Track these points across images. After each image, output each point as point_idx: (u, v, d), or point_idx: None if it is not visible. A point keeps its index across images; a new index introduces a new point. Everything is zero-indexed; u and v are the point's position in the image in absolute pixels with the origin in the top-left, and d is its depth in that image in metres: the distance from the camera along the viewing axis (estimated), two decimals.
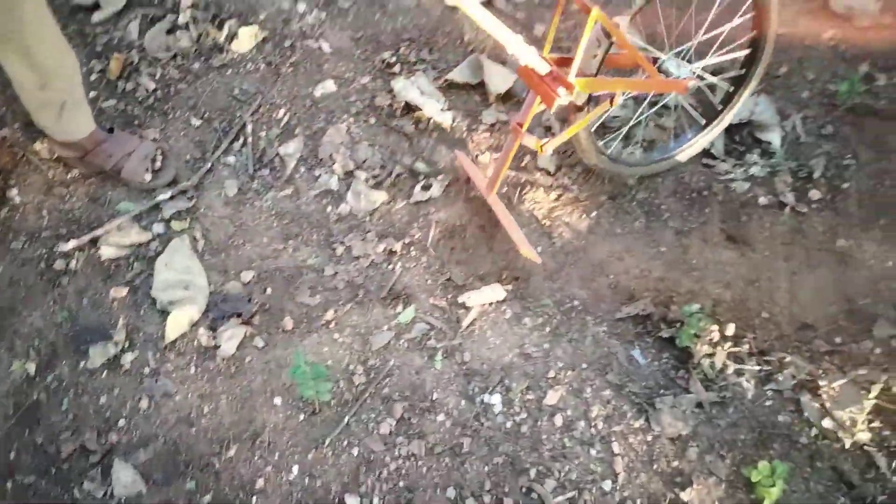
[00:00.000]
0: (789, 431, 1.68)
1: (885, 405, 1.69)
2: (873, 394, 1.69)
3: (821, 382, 1.72)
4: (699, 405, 1.72)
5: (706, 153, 2.22)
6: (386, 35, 2.54)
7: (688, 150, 2.15)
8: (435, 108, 2.31)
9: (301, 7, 2.58)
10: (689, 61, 1.88)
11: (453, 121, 2.30)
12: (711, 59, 1.90)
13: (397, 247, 2.02)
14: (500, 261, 2.01)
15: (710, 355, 1.78)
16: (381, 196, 2.13)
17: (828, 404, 1.69)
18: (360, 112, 2.32)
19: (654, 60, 1.84)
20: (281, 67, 2.42)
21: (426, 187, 2.15)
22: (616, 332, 1.87)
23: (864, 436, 1.65)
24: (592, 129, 1.91)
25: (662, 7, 1.83)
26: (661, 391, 1.75)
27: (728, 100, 2.09)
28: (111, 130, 2.13)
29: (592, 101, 1.76)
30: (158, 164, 2.13)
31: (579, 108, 1.77)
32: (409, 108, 2.32)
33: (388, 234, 2.06)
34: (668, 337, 1.83)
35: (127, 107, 2.33)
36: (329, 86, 2.37)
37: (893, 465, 1.60)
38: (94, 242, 2.01)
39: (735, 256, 2.00)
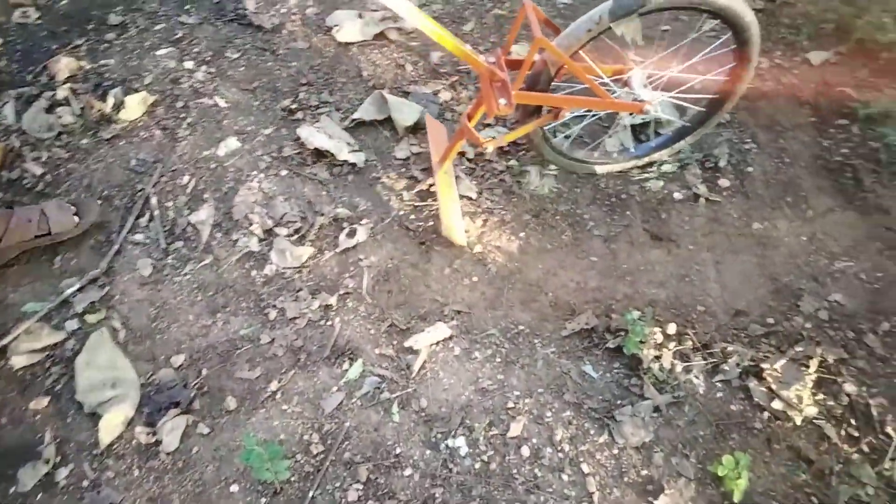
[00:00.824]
0: (744, 419, 1.73)
1: (826, 377, 1.77)
2: (813, 368, 1.77)
3: (763, 366, 1.79)
4: (656, 409, 1.75)
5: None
6: (282, 81, 2.47)
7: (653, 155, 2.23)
8: (346, 150, 2.26)
9: (188, 64, 2.47)
10: (659, 88, 1.91)
11: (366, 160, 2.26)
12: (678, 95, 1.96)
13: (332, 300, 1.96)
14: (439, 296, 1.99)
15: (658, 357, 1.82)
16: (306, 250, 2.06)
17: (773, 386, 1.76)
18: (269, 166, 2.24)
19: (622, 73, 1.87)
20: (177, 131, 2.31)
21: (352, 233, 2.09)
22: (565, 350, 1.88)
23: (811, 410, 1.72)
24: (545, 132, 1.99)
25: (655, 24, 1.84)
26: (619, 402, 1.77)
27: (683, 133, 2.18)
28: (10, 206, 1.98)
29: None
30: (75, 209, 2.01)
31: (530, 114, 1.85)
32: (320, 154, 2.26)
33: (321, 289, 1.99)
34: (616, 346, 1.85)
35: (15, 197, 2.16)
36: (232, 143, 2.28)
37: (842, 433, 1.68)
38: (3, 352, 1.85)
39: (662, 255, 2.06)
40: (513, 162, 2.26)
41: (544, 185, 2.19)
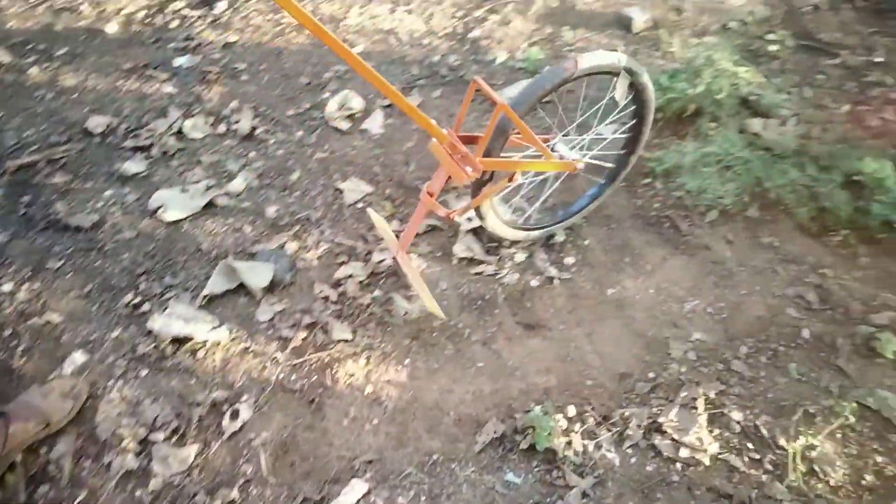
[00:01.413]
0: (661, 476, 1.82)
1: (714, 412, 1.93)
2: (701, 408, 1.92)
3: (660, 420, 1.91)
4: (584, 495, 1.79)
5: (471, 260, 2.40)
6: (117, 277, 2.34)
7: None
8: (205, 330, 2.17)
9: (6, 287, 2.28)
10: (583, 149, 2.30)
11: (231, 333, 2.19)
12: (595, 154, 2.29)
13: (234, 494, 1.82)
14: (344, 450, 1.92)
15: (569, 443, 1.88)
16: (190, 449, 1.91)
17: (675, 436, 1.87)
18: (126, 370, 2.08)
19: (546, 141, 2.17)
20: (11, 362, 2.09)
21: (234, 415, 1.98)
22: (483, 465, 1.88)
23: (714, 447, 1.85)
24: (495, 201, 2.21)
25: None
26: (548, 500, 1.79)
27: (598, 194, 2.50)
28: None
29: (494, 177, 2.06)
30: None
31: (482, 183, 2.05)
32: (179, 341, 2.15)
33: (219, 486, 1.85)
34: (528, 446, 1.89)
35: None
36: (78, 358, 2.10)
37: (745, 459, 1.82)
38: None
39: (539, 342, 2.16)
40: (377, 293, 2.30)
41: (413, 309, 2.24)
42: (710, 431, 1.88)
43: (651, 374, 2.04)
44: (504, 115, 1.87)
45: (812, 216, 2.45)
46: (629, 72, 2.03)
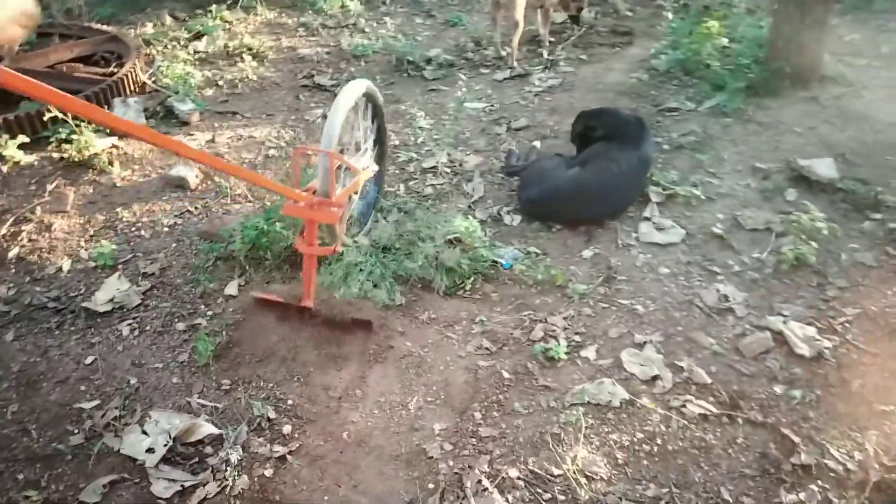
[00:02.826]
0: None
1: (498, 482, 2.03)
2: (489, 485, 2.00)
3: None
4: None
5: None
6: None
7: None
8: None
9: None
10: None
11: None
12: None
13: None
14: None
15: None
16: None
17: None
18: None
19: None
20: None
21: None
22: None
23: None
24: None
25: None
26: None
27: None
28: None
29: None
30: None
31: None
32: None
33: None
34: None
35: None
36: None
37: (545, 498, 1.97)
38: None
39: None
40: None
41: None
42: (507, 500, 1.97)
43: (429, 485, 2.03)
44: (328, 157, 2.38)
45: (440, 278, 2.79)
46: (370, 95, 2.80)
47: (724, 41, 4.37)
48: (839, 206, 3.16)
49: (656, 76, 4.49)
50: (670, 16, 4.83)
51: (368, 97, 2.81)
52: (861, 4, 5.31)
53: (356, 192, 2.85)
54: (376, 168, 2.96)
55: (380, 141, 3.09)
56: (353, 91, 2.59)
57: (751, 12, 5.08)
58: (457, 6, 5.59)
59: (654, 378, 2.35)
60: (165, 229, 3.15)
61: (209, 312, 2.73)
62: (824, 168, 3.28)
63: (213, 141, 3.79)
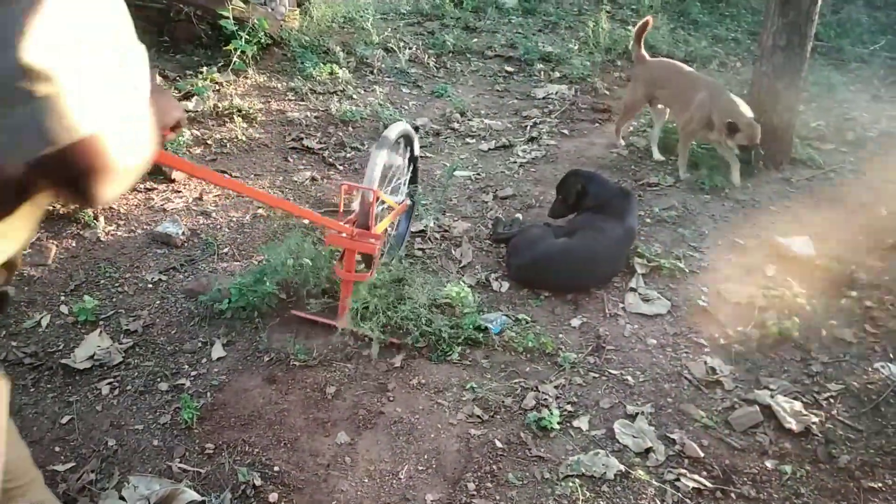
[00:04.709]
0: None
1: None
2: None
3: None
4: None
5: None
6: None
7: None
8: None
9: None
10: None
11: None
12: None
13: None
14: None
15: None
16: None
17: None
18: None
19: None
20: None
21: None
22: None
23: None
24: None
25: None
26: None
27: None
28: None
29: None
30: None
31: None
32: None
33: None
34: None
35: None
36: None
37: None
38: None
39: None
40: None
41: None
42: None
43: None
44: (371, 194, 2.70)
45: (427, 343, 2.78)
46: (408, 136, 3.15)
47: None
48: (817, 282, 3.27)
49: (635, 152, 4.66)
50: None
51: (406, 138, 3.18)
52: (824, 93, 5.63)
53: (392, 225, 3.21)
54: (410, 203, 3.35)
55: (413, 179, 3.44)
56: (394, 132, 2.93)
57: None
58: (443, 78, 5.75)
59: (648, 451, 2.34)
60: (150, 286, 3.09)
61: (193, 372, 2.66)
62: (802, 245, 3.40)
63: (200, 199, 3.78)
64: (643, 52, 4.57)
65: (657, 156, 4.55)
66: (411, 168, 3.37)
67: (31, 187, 0.95)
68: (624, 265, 3.32)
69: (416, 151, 3.35)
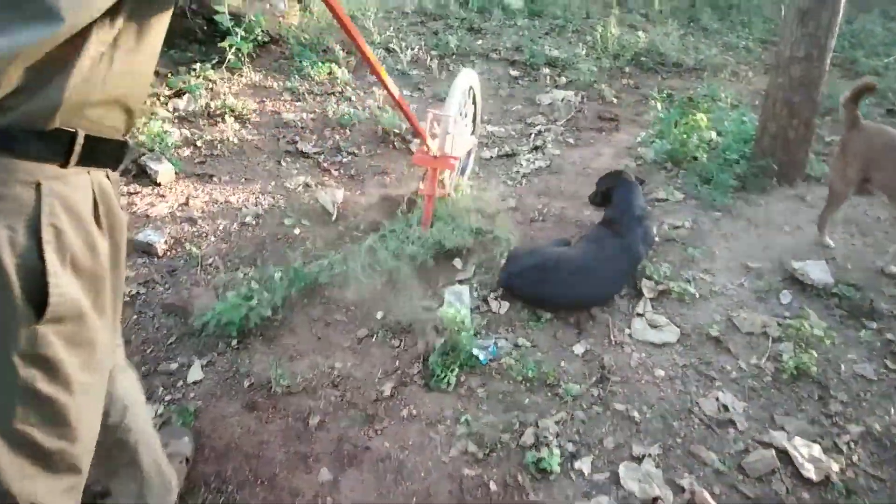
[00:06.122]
0: None
1: None
2: None
3: None
4: None
5: None
6: None
7: None
8: None
9: None
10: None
11: None
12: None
13: None
14: None
15: None
16: None
17: None
18: None
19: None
20: None
21: None
22: None
23: None
24: None
25: None
26: None
27: None
28: None
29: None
30: None
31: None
32: None
33: None
34: None
35: None
36: None
37: None
38: None
39: None
40: None
41: None
42: None
43: None
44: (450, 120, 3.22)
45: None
46: (473, 83, 3.70)
47: (712, 134, 4.39)
48: (835, 311, 3.08)
49: (644, 164, 4.48)
50: (659, 106, 4.86)
51: (471, 87, 3.68)
52: (838, 106, 5.43)
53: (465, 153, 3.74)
54: (476, 140, 4.01)
55: (474, 121, 3.96)
56: (466, 77, 3.49)
57: (734, 107, 5.16)
58: (445, 81, 5.57)
59: (655, 500, 2.16)
60: (127, 299, 2.91)
61: (168, 397, 2.48)
62: (818, 272, 3.21)
63: (186, 204, 3.60)
64: (859, 114, 3.36)
65: (827, 241, 3.57)
66: (475, 111, 3.92)
67: None
68: (623, 286, 3.13)
69: (479, 98, 3.90)
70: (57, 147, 1.06)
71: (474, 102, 3.87)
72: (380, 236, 3.23)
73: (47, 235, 1.04)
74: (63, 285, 1.07)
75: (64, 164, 1.07)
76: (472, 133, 3.98)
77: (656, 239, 3.50)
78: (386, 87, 2.63)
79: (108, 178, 1.20)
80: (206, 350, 2.68)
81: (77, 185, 1.11)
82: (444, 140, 3.21)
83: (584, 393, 2.59)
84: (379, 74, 2.54)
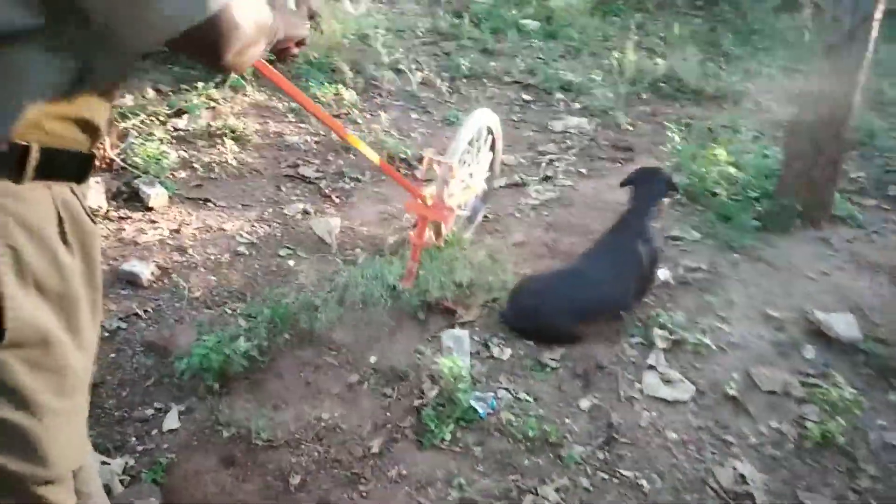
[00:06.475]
0: None
1: None
2: None
3: None
4: None
5: None
6: None
7: None
8: None
9: None
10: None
11: None
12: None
13: None
14: None
15: None
16: None
17: None
18: None
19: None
20: None
21: None
22: None
23: None
24: None
25: None
26: None
27: None
28: None
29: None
30: None
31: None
32: None
33: None
34: None
35: None
36: None
37: None
38: None
39: None
40: None
41: None
42: None
43: None
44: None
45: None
46: (492, 126, 3.35)
47: (732, 170, 4.19)
48: (861, 370, 2.86)
49: None
50: (676, 138, 4.67)
51: (490, 128, 3.35)
52: (864, 139, 5.23)
53: (464, 204, 3.34)
54: (485, 187, 3.59)
55: (492, 166, 3.60)
56: (478, 119, 3.15)
57: (756, 139, 4.96)
58: (454, 104, 5.42)
59: None
60: (106, 334, 2.74)
61: (140, 447, 2.30)
62: (844, 326, 2.99)
63: (178, 231, 3.44)
64: None
65: None
66: (491, 157, 3.53)
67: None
68: (632, 289, 2.99)
69: (499, 144, 3.57)
70: (8, 162, 0.97)
71: (492, 149, 3.52)
72: (374, 276, 3.04)
73: (3, 256, 0.96)
74: (20, 308, 0.99)
75: (17, 180, 0.98)
76: (490, 179, 3.66)
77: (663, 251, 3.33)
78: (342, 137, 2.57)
79: (73, 192, 1.10)
80: (185, 395, 2.50)
81: (35, 201, 1.02)
82: (442, 189, 2.94)
83: (590, 456, 2.39)
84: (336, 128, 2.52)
